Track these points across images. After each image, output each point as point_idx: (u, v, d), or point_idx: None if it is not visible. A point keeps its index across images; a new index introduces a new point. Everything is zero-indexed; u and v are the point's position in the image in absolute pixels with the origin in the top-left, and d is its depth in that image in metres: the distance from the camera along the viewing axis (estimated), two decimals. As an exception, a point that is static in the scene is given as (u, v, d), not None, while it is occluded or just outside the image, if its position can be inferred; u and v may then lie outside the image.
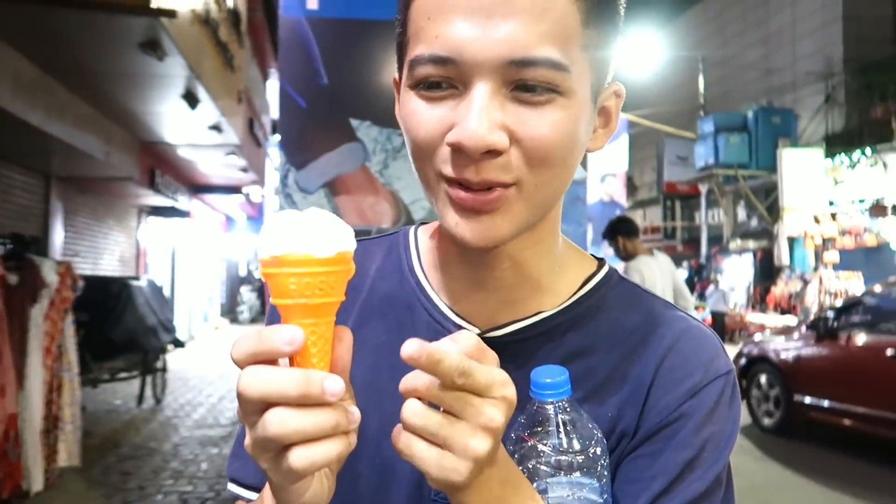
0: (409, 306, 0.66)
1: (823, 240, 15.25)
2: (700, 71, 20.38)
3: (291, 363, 0.47)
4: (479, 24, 0.50)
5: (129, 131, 8.07)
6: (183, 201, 11.61)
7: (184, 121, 7.49)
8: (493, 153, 0.52)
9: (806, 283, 14.67)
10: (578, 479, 0.53)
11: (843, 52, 16.68)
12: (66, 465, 4.54)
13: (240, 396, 0.45)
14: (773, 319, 13.93)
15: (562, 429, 0.53)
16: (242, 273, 23.89)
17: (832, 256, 14.91)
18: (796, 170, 15.50)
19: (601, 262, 0.69)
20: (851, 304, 6.35)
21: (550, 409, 0.53)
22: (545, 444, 0.53)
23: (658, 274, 4.31)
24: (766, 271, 17.14)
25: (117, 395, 7.99)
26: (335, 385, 0.44)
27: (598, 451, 0.54)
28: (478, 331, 0.62)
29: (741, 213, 19.41)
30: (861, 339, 5.77)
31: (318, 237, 0.46)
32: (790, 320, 13.02)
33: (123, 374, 7.20)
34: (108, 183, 8.88)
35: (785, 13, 18.99)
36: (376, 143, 3.17)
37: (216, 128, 7.84)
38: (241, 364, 0.45)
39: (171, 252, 13.74)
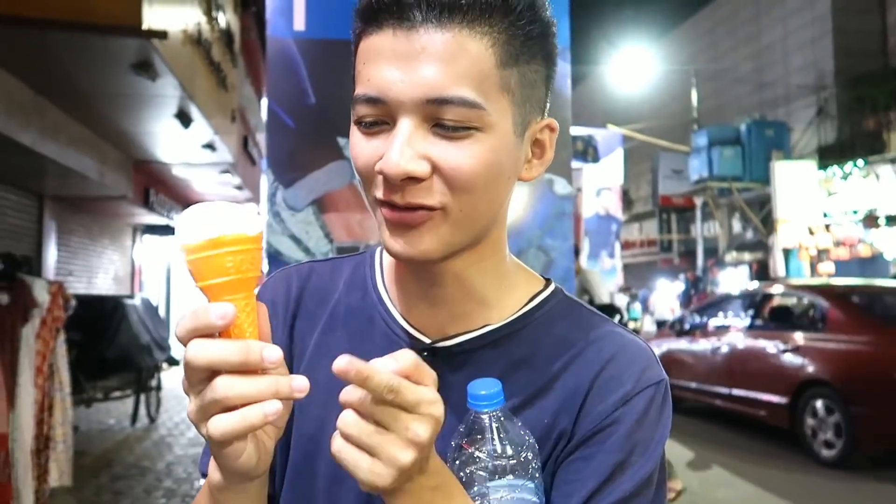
0: (369, 318, 0.71)
1: (818, 251, 15.29)
2: (693, 85, 20.52)
3: (228, 336, 0.51)
4: (401, 69, 0.57)
5: (123, 151, 8.11)
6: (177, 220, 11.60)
7: (177, 140, 7.53)
8: (414, 180, 0.58)
9: (801, 294, 14.68)
10: (514, 482, 0.57)
11: (834, 65, 16.83)
12: (57, 485, 4.51)
13: (186, 366, 0.51)
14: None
15: (496, 436, 0.57)
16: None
17: (827, 267, 14.95)
18: (790, 182, 15.57)
19: (548, 281, 0.74)
20: (699, 309, 8.65)
21: (486, 418, 0.57)
22: (482, 451, 0.57)
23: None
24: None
25: (111, 414, 7.96)
26: (273, 353, 0.50)
27: (530, 455, 0.58)
28: (429, 341, 0.68)
29: (736, 226, 19.47)
30: (700, 335, 7.89)
31: (242, 219, 0.51)
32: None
33: (117, 393, 7.19)
34: (103, 202, 8.91)
35: (776, 28, 19.17)
36: (363, 160, 3.20)
37: (210, 146, 7.88)
38: (183, 341, 0.51)
39: (167, 270, 13.73)
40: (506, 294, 0.70)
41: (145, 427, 7.34)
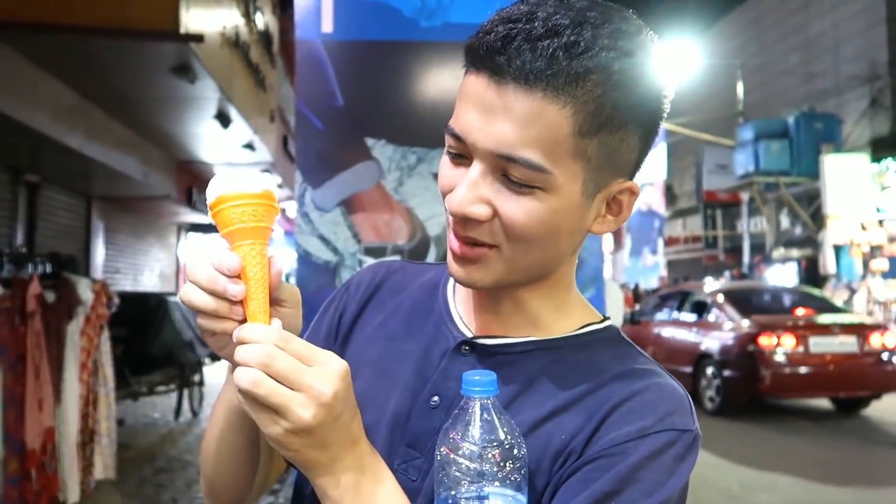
0: (429, 310, 0.78)
1: (871, 247, 14.75)
2: (739, 77, 20.00)
3: (241, 278, 0.62)
4: (482, 118, 0.61)
5: (166, 151, 8.32)
6: (221, 218, 11.85)
7: (218, 140, 7.68)
8: (473, 221, 0.63)
9: (853, 292, 14.17)
10: (504, 492, 0.57)
11: (888, 54, 16.18)
12: (102, 478, 4.66)
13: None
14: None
15: (484, 423, 0.58)
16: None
17: (881, 264, 14.39)
18: (841, 176, 15.06)
19: (606, 318, 0.76)
20: (655, 299, 10.68)
21: (476, 405, 0.59)
22: (468, 438, 0.58)
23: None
24: (812, 280, 16.63)
25: (156, 409, 8.18)
26: (236, 289, 0.61)
27: (516, 451, 0.58)
28: (471, 335, 0.73)
29: (784, 221, 18.93)
30: (650, 323, 9.66)
31: (246, 181, 0.61)
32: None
33: (161, 388, 7.38)
34: (147, 202, 9.16)
35: (826, 18, 18.53)
36: (391, 161, 3.21)
37: (249, 146, 8.02)
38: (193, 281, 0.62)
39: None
40: (560, 319, 0.73)
41: (188, 421, 7.52)
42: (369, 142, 3.20)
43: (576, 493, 0.61)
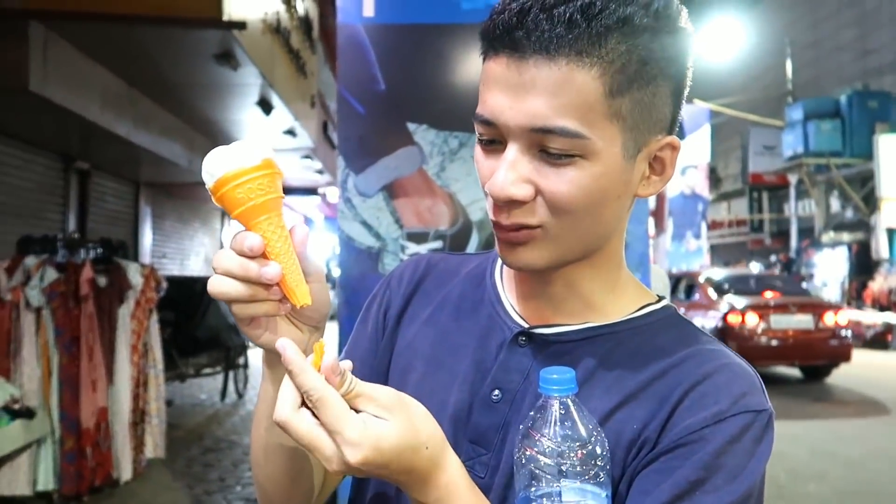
0: (480, 301, 0.76)
1: (927, 231, 14.23)
2: (788, 55, 19.35)
3: (267, 256, 0.59)
4: (510, 97, 0.60)
5: (210, 138, 8.45)
6: (263, 203, 12.02)
7: (260, 127, 7.76)
8: (517, 202, 0.62)
9: (907, 276, 13.72)
10: (583, 487, 0.56)
11: (949, 28, 15.46)
12: (152, 457, 4.81)
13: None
14: (871, 316, 13.10)
15: (564, 422, 0.57)
16: (323, 271, 24.46)
17: (937, 249, 13.88)
18: (896, 156, 14.51)
19: (661, 298, 0.74)
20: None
21: (555, 403, 0.57)
22: (548, 437, 0.57)
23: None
24: (863, 265, 16.11)
25: (203, 390, 8.39)
26: (272, 271, 0.59)
27: (598, 449, 0.57)
28: (527, 325, 0.71)
29: (834, 204, 18.34)
30: None
31: (242, 155, 0.58)
32: (890, 317, 12.23)
33: (208, 370, 7.56)
34: (193, 188, 9.34)
35: (882, -11, 17.78)
36: (433, 146, 3.19)
37: (291, 132, 8.08)
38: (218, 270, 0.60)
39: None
40: (614, 300, 0.71)
41: (234, 402, 7.69)
42: (411, 126, 3.18)
43: (657, 484, 0.60)
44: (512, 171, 0.61)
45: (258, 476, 0.75)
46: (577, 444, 0.56)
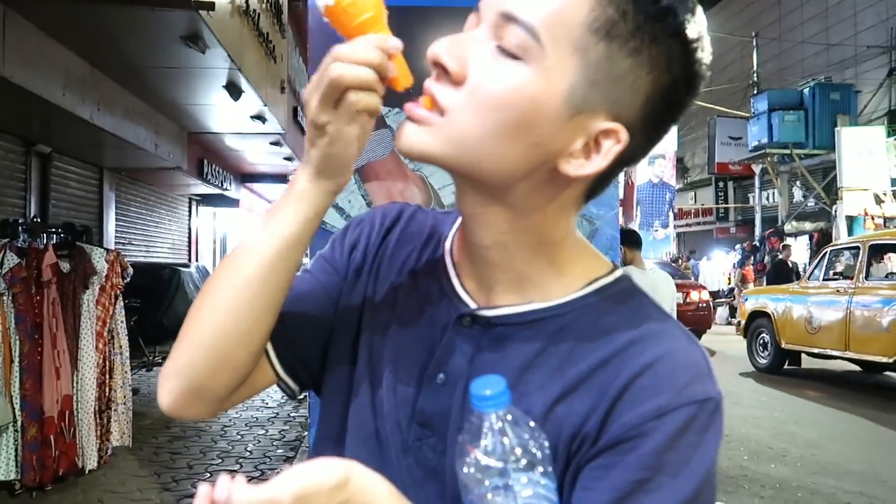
0: (434, 274, 0.72)
1: (885, 220, 14.61)
2: (754, 47, 19.67)
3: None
4: None
5: (177, 122, 8.30)
6: (232, 190, 11.88)
7: (228, 111, 7.65)
8: (444, 73, 0.59)
9: (866, 265, 14.09)
10: (532, 476, 0.54)
11: (909, 23, 15.86)
12: (118, 445, 4.74)
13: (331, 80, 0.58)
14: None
15: (502, 437, 0.54)
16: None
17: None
18: (856, 148, 14.85)
19: (614, 268, 0.69)
20: None
21: (491, 419, 0.54)
22: (488, 454, 0.54)
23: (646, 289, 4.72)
24: (824, 254, 16.52)
25: (170, 378, 8.28)
26: (395, 42, 0.59)
27: (539, 454, 0.55)
28: (475, 306, 0.67)
29: (797, 194, 18.74)
30: None
31: None
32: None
33: (175, 358, 7.46)
34: (159, 173, 9.16)
35: (845, -16, 18.14)
36: (405, 129, 3.18)
37: (260, 117, 7.98)
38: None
39: (222, 239, 14.09)
40: (557, 278, 0.66)
41: (202, 391, 7.61)
42: (384, 110, 3.17)
43: (598, 481, 0.57)
44: (458, 45, 0.59)
45: (206, 322, 0.65)
46: (517, 453, 0.54)
